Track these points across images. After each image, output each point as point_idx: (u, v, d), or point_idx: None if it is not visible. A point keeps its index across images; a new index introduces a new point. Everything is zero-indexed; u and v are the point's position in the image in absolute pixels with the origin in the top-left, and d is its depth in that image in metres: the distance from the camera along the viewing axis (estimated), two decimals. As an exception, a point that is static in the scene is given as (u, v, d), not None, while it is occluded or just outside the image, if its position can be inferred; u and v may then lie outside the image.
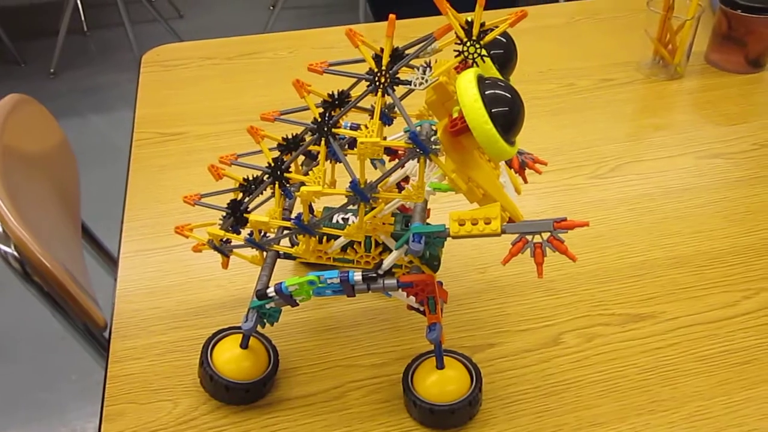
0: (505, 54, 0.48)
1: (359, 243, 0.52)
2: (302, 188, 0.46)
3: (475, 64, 0.44)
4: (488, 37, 0.43)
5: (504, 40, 0.48)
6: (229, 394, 0.51)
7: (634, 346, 0.58)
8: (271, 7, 2.72)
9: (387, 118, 0.51)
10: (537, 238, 0.44)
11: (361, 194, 0.45)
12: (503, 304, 0.61)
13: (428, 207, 0.57)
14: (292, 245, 0.55)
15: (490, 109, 0.40)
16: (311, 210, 0.53)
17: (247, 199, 0.52)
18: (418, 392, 0.50)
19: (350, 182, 0.45)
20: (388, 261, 0.47)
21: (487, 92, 0.41)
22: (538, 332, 0.59)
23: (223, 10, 2.91)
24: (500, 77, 0.46)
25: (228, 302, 0.62)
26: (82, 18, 2.73)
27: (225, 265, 0.57)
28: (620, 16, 1.13)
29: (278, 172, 0.49)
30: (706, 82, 0.96)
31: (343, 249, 0.53)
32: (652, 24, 0.94)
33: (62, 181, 0.75)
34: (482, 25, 0.44)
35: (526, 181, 0.57)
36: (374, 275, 0.46)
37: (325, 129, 0.47)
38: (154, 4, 2.75)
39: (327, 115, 0.47)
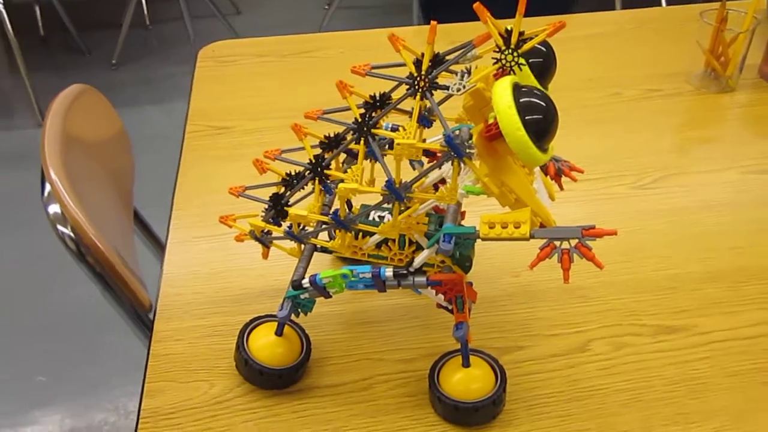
0: (544, 63, 0.49)
1: (393, 241, 0.54)
2: (340, 185, 0.48)
3: (512, 72, 0.45)
4: (526, 47, 0.44)
5: (544, 49, 0.49)
6: (263, 378, 0.54)
7: (664, 357, 0.58)
8: (326, 7, 2.76)
9: (426, 121, 0.52)
10: (565, 244, 0.45)
11: (396, 193, 0.47)
12: (534, 309, 0.62)
13: (463, 209, 0.58)
14: (330, 239, 0.57)
15: (523, 116, 0.41)
16: (349, 206, 0.54)
17: (288, 193, 0.54)
18: (444, 389, 0.52)
19: (386, 181, 0.47)
20: (419, 259, 0.48)
21: (521, 99, 0.42)
22: (566, 338, 0.60)
23: (279, 7, 2.96)
24: (537, 85, 0.48)
25: (267, 291, 0.64)
26: (145, 12, 2.82)
27: (265, 256, 0.59)
28: (671, 27, 1.12)
29: (319, 169, 0.51)
30: (757, 96, 0.94)
31: (378, 246, 0.55)
32: (704, 35, 0.93)
33: (118, 167, 0.79)
34: (521, 33, 0.45)
35: (561, 188, 0.58)
36: (405, 272, 0.48)
37: (365, 129, 0.49)
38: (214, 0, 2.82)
39: (367, 115, 0.49)
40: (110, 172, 0.76)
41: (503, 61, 0.44)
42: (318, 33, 1.16)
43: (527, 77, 0.47)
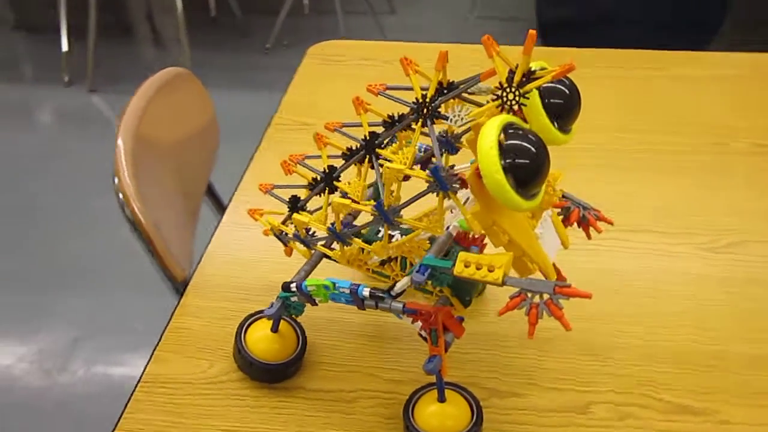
0: (564, 105, 0.46)
1: (396, 261, 0.54)
2: (334, 199, 0.49)
3: (511, 112, 0.43)
4: (527, 87, 0.42)
5: (566, 90, 0.47)
6: (252, 369, 0.56)
7: (669, 439, 0.53)
8: (468, 16, 2.75)
9: (452, 147, 0.52)
10: (538, 298, 0.42)
11: (384, 215, 0.47)
12: (542, 357, 0.59)
13: (486, 241, 0.57)
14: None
15: (505, 159, 0.40)
16: (348, 223, 0.55)
17: (304, 197, 0.56)
18: (417, 421, 0.51)
19: (377, 202, 0.47)
20: (400, 284, 0.48)
21: (508, 141, 0.40)
22: (568, 394, 0.56)
23: (434, 11, 3.00)
24: (547, 125, 0.45)
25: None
26: (305, 2, 2.97)
27: (288, 253, 0.62)
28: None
29: (329, 180, 0.53)
30: None
31: (382, 264, 0.55)
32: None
33: (197, 150, 0.85)
34: (532, 72, 0.43)
35: (589, 237, 0.55)
36: (382, 294, 0.48)
37: (370, 148, 0.49)
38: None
39: (375, 135, 0.49)
40: (187, 152, 0.82)
41: (504, 99, 0.43)
42: (430, 43, 1.17)
43: (537, 116, 0.45)
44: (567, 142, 0.48)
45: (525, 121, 0.46)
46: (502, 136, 0.41)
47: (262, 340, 0.56)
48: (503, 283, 0.43)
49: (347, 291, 0.48)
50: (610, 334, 0.61)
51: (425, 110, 0.46)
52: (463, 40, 1.29)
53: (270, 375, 0.56)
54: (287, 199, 0.57)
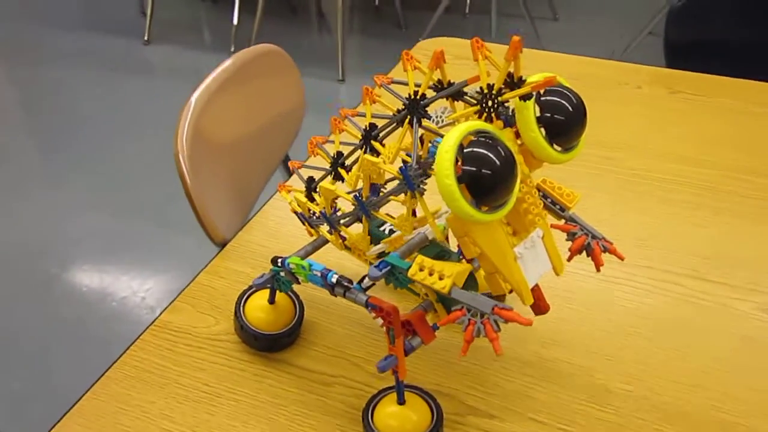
0: (564, 122, 0.43)
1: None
2: (322, 187, 0.49)
3: (490, 120, 0.41)
4: (505, 96, 0.40)
5: (569, 107, 0.43)
6: (243, 333, 0.59)
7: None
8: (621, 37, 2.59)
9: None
10: (482, 316, 0.40)
11: (362, 206, 0.47)
12: (535, 387, 0.56)
13: None
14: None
15: (462, 165, 0.38)
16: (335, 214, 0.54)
17: (317, 179, 0.57)
18: (375, 422, 0.51)
19: (354, 195, 0.47)
20: (368, 279, 0.48)
21: (469, 148, 0.39)
22: (548, 430, 0.53)
23: (601, 22, 2.87)
24: (537, 140, 0.43)
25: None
26: (468, 1, 2.97)
27: (311, 233, 0.63)
28: None
29: (336, 165, 0.53)
30: None
31: (380, 256, 0.55)
32: None
33: (277, 123, 0.89)
34: (522, 81, 0.41)
35: (598, 269, 0.51)
36: (348, 284, 0.48)
37: (368, 138, 0.49)
38: (532, 2, 2.84)
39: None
40: (269, 122, 0.86)
41: (483, 105, 0.41)
42: (547, 51, 1.13)
43: (527, 129, 0.43)
44: (564, 161, 0.45)
45: (517, 132, 0.44)
46: (469, 142, 0.39)
47: (257, 309, 0.59)
48: (449, 294, 0.41)
49: (318, 274, 0.49)
50: (618, 379, 0.57)
51: (415, 108, 0.45)
52: (617, 57, 1.23)
53: (258, 342, 0.58)
54: (310, 177, 0.58)
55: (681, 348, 0.59)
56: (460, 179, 0.38)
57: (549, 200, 0.52)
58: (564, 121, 0.43)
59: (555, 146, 0.44)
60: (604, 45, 2.60)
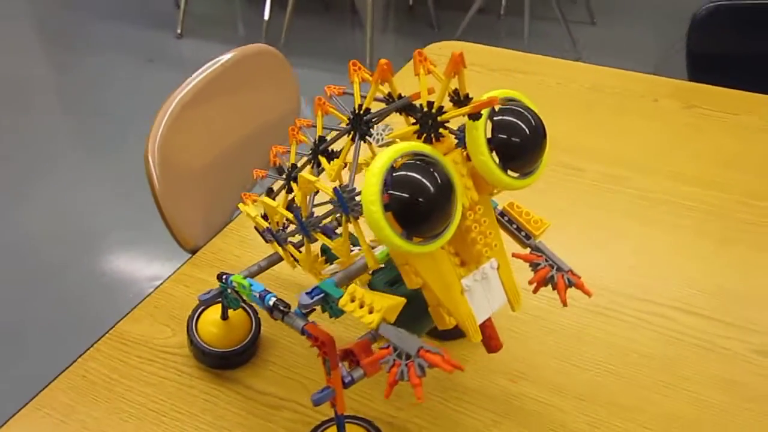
0: (518, 144, 0.39)
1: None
2: (264, 202, 0.46)
3: (429, 141, 0.37)
4: (445, 116, 0.37)
5: (525, 128, 0.39)
6: (193, 348, 0.56)
7: None
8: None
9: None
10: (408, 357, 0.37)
11: (302, 227, 0.44)
12: (497, 424, 0.52)
13: None
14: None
15: (386, 190, 0.35)
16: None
17: (275, 189, 0.54)
18: None
19: (295, 213, 0.44)
20: (302, 302, 0.44)
21: (400, 173, 0.35)
22: (502, 474, 0.49)
23: (645, 27, 2.77)
24: (487, 164, 0.39)
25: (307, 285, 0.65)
26: (503, 3, 2.90)
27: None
28: None
29: (288, 178, 0.50)
30: None
31: (335, 276, 0.52)
32: None
33: (269, 124, 0.86)
34: (468, 97, 0.37)
35: (564, 303, 0.47)
36: (285, 309, 0.45)
37: (315, 153, 0.46)
38: (570, 5, 2.77)
39: (321, 140, 0.46)
40: (254, 127, 0.84)
41: (422, 125, 0.37)
42: (561, 59, 1.08)
43: (476, 152, 0.39)
44: (519, 188, 0.41)
45: (468, 156, 0.40)
46: (400, 165, 0.36)
47: (210, 324, 0.56)
48: (377, 330, 0.38)
49: (257, 295, 0.46)
50: (586, 420, 0.52)
51: (359, 125, 0.41)
52: (660, 71, 1.17)
53: (207, 359, 0.56)
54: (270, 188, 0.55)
55: (660, 390, 0.55)
56: (387, 206, 0.35)
57: (514, 226, 0.48)
58: (518, 144, 0.39)
59: (510, 172, 0.40)
60: (644, 53, 2.51)
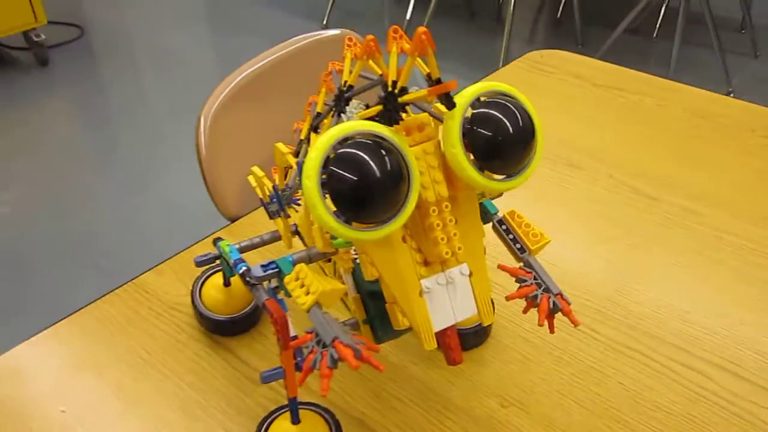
0: (496, 142, 0.36)
1: (328, 261, 0.49)
2: (253, 169, 0.46)
3: (388, 122, 0.35)
4: (404, 98, 0.34)
5: (506, 123, 0.36)
6: (193, 309, 0.57)
7: None
8: None
9: None
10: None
11: (277, 197, 0.43)
12: (467, 444, 0.48)
13: None
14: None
15: (323, 166, 0.33)
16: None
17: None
18: None
19: (274, 186, 0.43)
20: (258, 274, 0.43)
21: (344, 149, 0.33)
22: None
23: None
24: (447, 158, 0.36)
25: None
26: (657, 24, 2.73)
27: None
28: None
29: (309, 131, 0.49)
30: None
31: (329, 259, 0.50)
32: None
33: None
34: (437, 81, 0.34)
35: (552, 330, 0.43)
36: (249, 280, 0.44)
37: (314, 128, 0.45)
38: (734, 34, 2.55)
39: (318, 116, 0.44)
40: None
41: (385, 107, 0.35)
42: (670, 81, 0.99)
43: (448, 145, 0.36)
44: (496, 190, 0.38)
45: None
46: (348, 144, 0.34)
47: (213, 289, 0.57)
48: (308, 312, 0.36)
49: (231, 262, 0.45)
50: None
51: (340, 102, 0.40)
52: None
53: (204, 322, 0.56)
54: None
55: (668, 450, 0.48)
56: (324, 184, 0.33)
57: (511, 237, 0.44)
58: (495, 141, 0.36)
59: (488, 172, 0.37)
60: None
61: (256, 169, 0.46)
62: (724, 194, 0.73)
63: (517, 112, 0.36)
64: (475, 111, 0.36)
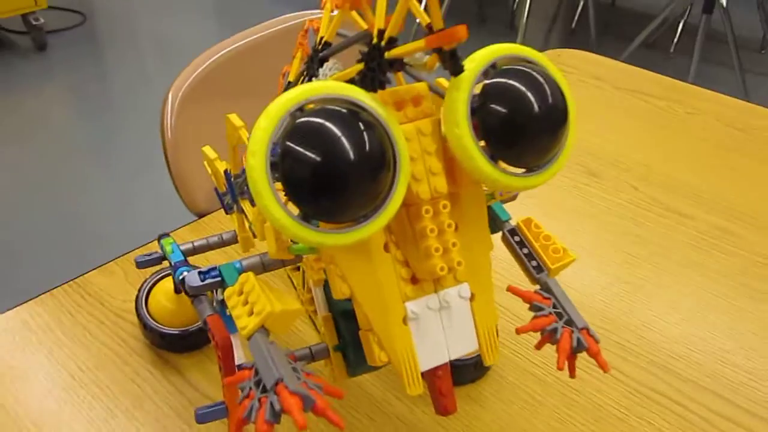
0: (513, 123, 0.26)
1: (297, 269, 0.40)
2: (204, 150, 0.36)
3: (373, 88, 0.26)
4: (393, 53, 0.25)
5: (530, 98, 0.26)
6: (139, 319, 0.48)
7: None
8: None
9: None
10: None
11: (230, 188, 0.33)
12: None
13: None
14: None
15: (277, 140, 0.24)
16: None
17: None
18: None
19: (226, 173, 0.34)
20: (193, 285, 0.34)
21: (305, 119, 0.24)
22: None
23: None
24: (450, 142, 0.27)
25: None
26: (675, 40, 2.65)
27: None
28: None
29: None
30: None
31: (298, 268, 0.41)
32: None
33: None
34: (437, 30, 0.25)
35: (572, 374, 0.33)
36: (185, 289, 0.34)
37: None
38: (755, 54, 2.46)
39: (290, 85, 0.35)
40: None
41: (367, 66, 0.26)
42: (682, 82, 0.90)
43: (451, 125, 0.27)
44: (513, 189, 0.28)
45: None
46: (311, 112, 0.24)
47: (162, 295, 0.47)
48: (248, 338, 0.27)
49: (172, 263, 0.36)
50: None
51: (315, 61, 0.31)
52: None
53: (148, 334, 0.47)
54: None
55: None
56: (275, 165, 0.24)
57: (525, 251, 0.35)
58: (515, 121, 0.26)
59: (503, 163, 0.28)
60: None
61: (207, 149, 0.36)
62: (766, 214, 0.64)
63: (545, 83, 0.27)
64: (489, 81, 0.27)
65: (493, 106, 0.27)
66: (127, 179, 1.84)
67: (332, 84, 0.25)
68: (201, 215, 0.62)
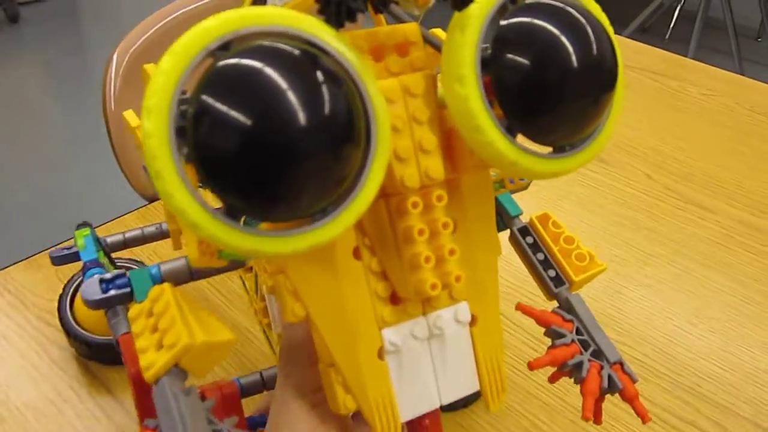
0: (545, 75, 0.18)
1: (250, 270, 0.32)
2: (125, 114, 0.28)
3: (335, 22, 0.17)
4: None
5: (568, 48, 0.18)
6: (62, 324, 0.39)
7: None
8: None
9: None
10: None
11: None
12: None
13: None
14: None
15: (192, 95, 0.15)
16: None
17: None
18: None
19: None
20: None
21: (228, 61, 0.16)
22: None
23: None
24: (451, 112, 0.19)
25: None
26: (671, 26, 2.58)
27: None
28: None
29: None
30: None
31: (249, 269, 0.33)
32: None
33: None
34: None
35: (598, 421, 0.25)
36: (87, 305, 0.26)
37: None
38: (752, 43, 2.40)
39: None
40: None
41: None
42: (721, 69, 0.82)
43: (452, 75, 0.18)
44: (536, 176, 0.20)
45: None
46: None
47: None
48: (154, 383, 0.19)
49: (84, 264, 0.28)
50: None
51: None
52: None
53: (72, 342, 0.39)
54: None
55: None
56: (182, 132, 0.16)
57: (541, 257, 0.27)
58: (545, 78, 0.18)
59: (523, 136, 0.20)
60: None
61: (129, 114, 0.27)
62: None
63: (588, 25, 0.19)
64: (505, 22, 0.19)
65: (512, 56, 0.18)
66: (99, 157, 1.74)
67: (276, 11, 0.16)
68: (152, 200, 0.53)
